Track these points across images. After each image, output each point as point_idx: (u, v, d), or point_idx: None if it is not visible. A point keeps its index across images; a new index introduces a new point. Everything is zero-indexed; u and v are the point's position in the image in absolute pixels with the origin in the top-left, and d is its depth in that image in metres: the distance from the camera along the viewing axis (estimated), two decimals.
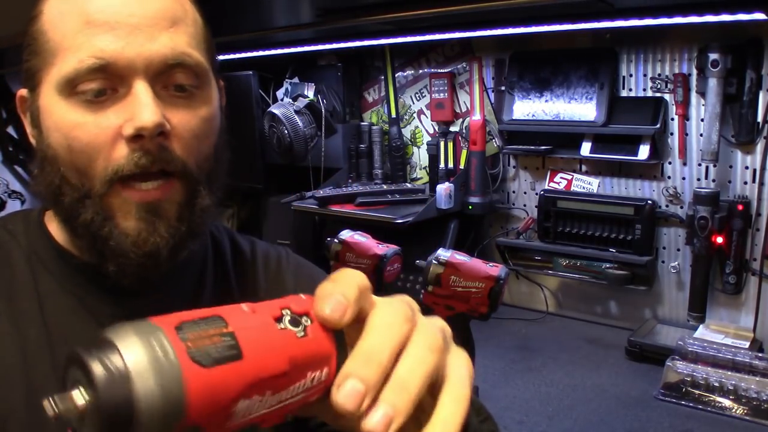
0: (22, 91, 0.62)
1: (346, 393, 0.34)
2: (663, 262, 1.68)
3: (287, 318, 0.36)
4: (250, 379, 0.32)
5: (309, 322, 0.37)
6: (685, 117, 1.58)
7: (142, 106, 0.54)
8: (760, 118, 1.48)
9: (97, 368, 0.29)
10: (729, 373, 1.32)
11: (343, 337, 0.38)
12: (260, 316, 0.35)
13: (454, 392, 0.38)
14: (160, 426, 0.29)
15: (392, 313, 0.38)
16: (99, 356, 0.30)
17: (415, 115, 2.12)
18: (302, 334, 0.36)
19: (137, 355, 0.30)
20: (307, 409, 0.39)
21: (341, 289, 0.37)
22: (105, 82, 0.55)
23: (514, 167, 1.92)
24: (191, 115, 0.58)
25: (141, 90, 0.54)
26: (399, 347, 0.37)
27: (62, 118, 0.56)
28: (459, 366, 0.39)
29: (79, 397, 0.30)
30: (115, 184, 0.55)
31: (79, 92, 0.55)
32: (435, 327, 0.39)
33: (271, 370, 0.33)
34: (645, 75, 1.64)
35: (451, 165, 1.98)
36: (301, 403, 0.37)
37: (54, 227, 0.64)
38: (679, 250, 1.66)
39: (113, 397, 0.29)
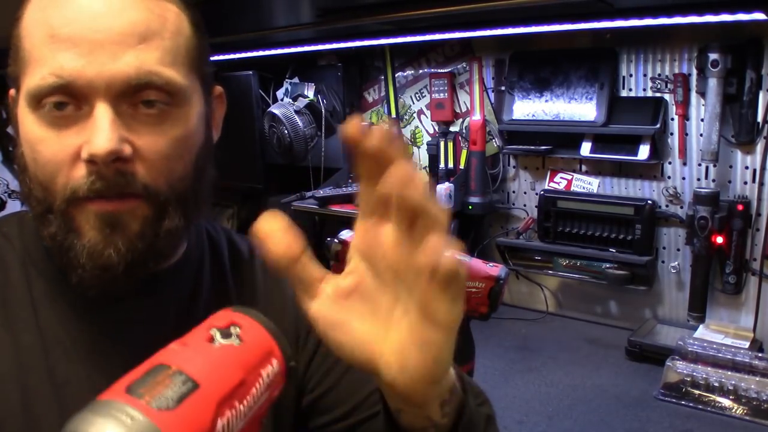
0: (12, 91, 0.62)
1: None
2: (663, 262, 1.68)
3: (218, 335, 0.38)
4: (216, 400, 0.34)
5: (237, 329, 0.39)
6: (685, 117, 1.58)
7: (97, 132, 0.52)
8: (760, 118, 1.48)
9: None
10: (729, 373, 1.32)
11: (275, 328, 0.40)
12: (194, 345, 0.37)
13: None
14: None
15: None
16: None
17: (415, 115, 2.12)
18: (238, 342, 0.38)
19: (98, 412, 0.31)
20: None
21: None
22: (68, 99, 0.53)
23: (514, 167, 1.92)
24: (160, 136, 0.55)
25: (100, 113, 0.52)
26: None
27: (29, 131, 0.55)
28: None
29: None
30: (74, 201, 0.54)
31: (44, 105, 0.53)
32: None
33: (229, 384, 0.35)
34: (645, 75, 1.64)
35: (451, 165, 1.97)
36: (268, 401, 0.38)
37: None
38: (679, 250, 1.66)
39: None
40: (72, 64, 0.52)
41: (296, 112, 2.00)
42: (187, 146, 0.58)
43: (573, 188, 1.80)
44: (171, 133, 0.56)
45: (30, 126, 0.55)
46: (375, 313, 0.42)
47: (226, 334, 0.38)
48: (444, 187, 1.82)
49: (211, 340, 0.37)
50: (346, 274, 0.42)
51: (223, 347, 0.37)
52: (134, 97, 0.54)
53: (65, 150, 0.54)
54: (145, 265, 0.57)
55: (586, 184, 1.78)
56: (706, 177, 1.59)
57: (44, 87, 0.53)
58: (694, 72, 1.55)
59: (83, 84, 0.52)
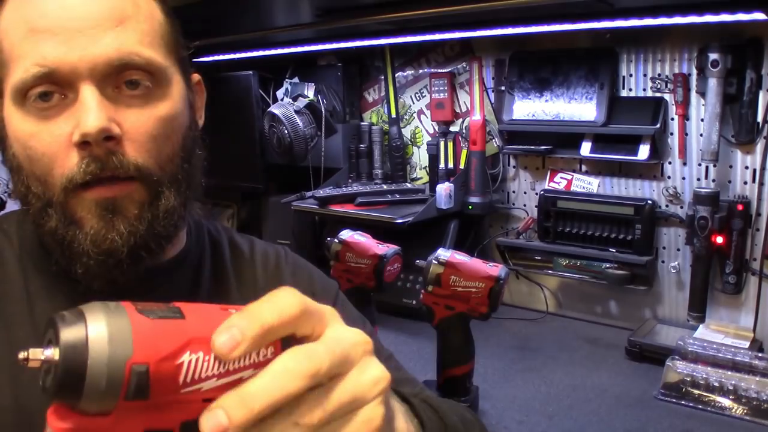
0: None
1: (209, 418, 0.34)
2: (663, 262, 1.68)
3: (232, 311, 0.38)
4: (191, 334, 0.35)
5: None
6: (685, 117, 1.58)
7: (86, 112, 0.53)
8: (760, 118, 1.48)
9: (60, 321, 0.34)
10: (729, 373, 1.32)
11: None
12: (207, 305, 0.39)
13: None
14: (112, 358, 0.33)
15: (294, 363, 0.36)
16: (66, 315, 0.34)
17: (415, 115, 2.12)
18: None
19: (95, 308, 0.34)
20: None
21: (243, 324, 0.35)
22: (53, 87, 0.54)
23: (514, 167, 1.92)
24: (146, 116, 0.57)
25: (86, 95, 0.53)
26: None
27: (19, 129, 0.56)
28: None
29: (48, 351, 0.33)
30: (72, 190, 0.55)
31: (29, 98, 0.54)
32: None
33: (211, 332, 0.36)
34: (645, 75, 1.64)
35: (451, 165, 1.97)
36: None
37: None
38: (679, 250, 1.66)
39: (71, 335, 0.33)
40: (54, 53, 0.53)
41: (296, 112, 2.00)
42: (173, 126, 0.59)
43: (573, 188, 1.80)
44: (156, 113, 0.57)
45: (18, 123, 0.55)
46: None
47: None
48: (444, 187, 1.82)
49: (224, 309, 0.38)
50: None
51: (227, 312, 0.37)
52: (117, 79, 0.55)
53: (57, 140, 0.55)
54: (147, 248, 0.58)
55: (586, 184, 1.78)
56: (706, 177, 1.59)
57: (28, 78, 0.53)
58: (694, 72, 1.55)
59: (67, 70, 0.53)
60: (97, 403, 0.33)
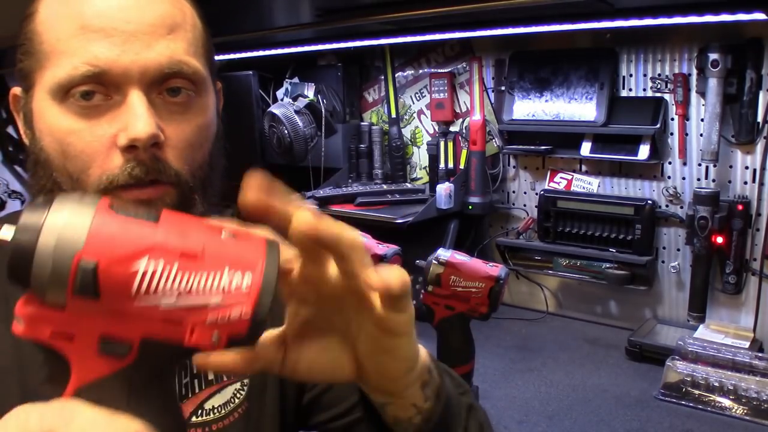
0: (16, 90, 0.61)
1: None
2: (663, 262, 1.68)
3: (224, 231, 0.37)
4: (158, 240, 0.34)
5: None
6: (685, 117, 1.58)
7: (136, 117, 0.53)
8: (760, 118, 1.48)
9: (29, 206, 0.35)
10: (729, 373, 1.32)
11: (276, 255, 0.37)
12: (196, 219, 0.37)
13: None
14: (59, 249, 0.33)
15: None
16: (37, 202, 0.36)
17: (415, 115, 2.12)
18: (228, 236, 0.36)
19: (66, 199, 0.34)
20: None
21: (332, 222, 0.39)
22: (98, 88, 0.54)
23: (514, 167, 1.92)
24: (186, 124, 0.57)
25: (136, 99, 0.54)
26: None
27: (56, 124, 0.55)
28: None
29: (7, 232, 0.35)
30: (111, 191, 0.55)
31: (72, 95, 0.54)
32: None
33: (182, 243, 0.34)
34: (645, 75, 1.64)
35: (451, 165, 1.97)
36: (224, 314, 0.35)
37: None
38: (679, 250, 1.66)
39: (29, 219, 0.34)
40: (107, 54, 0.53)
41: (296, 112, 2.00)
42: (207, 135, 0.60)
43: (573, 188, 1.80)
44: (195, 121, 0.58)
45: (56, 118, 0.55)
46: (333, 338, 0.45)
47: (230, 233, 0.37)
48: (444, 187, 1.82)
49: (213, 227, 0.37)
50: (289, 323, 0.45)
51: (210, 229, 0.36)
52: (161, 85, 0.56)
53: (99, 140, 0.54)
54: None
55: (586, 184, 1.78)
56: (706, 177, 1.59)
57: (76, 76, 0.53)
58: (694, 72, 1.55)
59: (118, 72, 0.53)
60: (48, 292, 0.33)
